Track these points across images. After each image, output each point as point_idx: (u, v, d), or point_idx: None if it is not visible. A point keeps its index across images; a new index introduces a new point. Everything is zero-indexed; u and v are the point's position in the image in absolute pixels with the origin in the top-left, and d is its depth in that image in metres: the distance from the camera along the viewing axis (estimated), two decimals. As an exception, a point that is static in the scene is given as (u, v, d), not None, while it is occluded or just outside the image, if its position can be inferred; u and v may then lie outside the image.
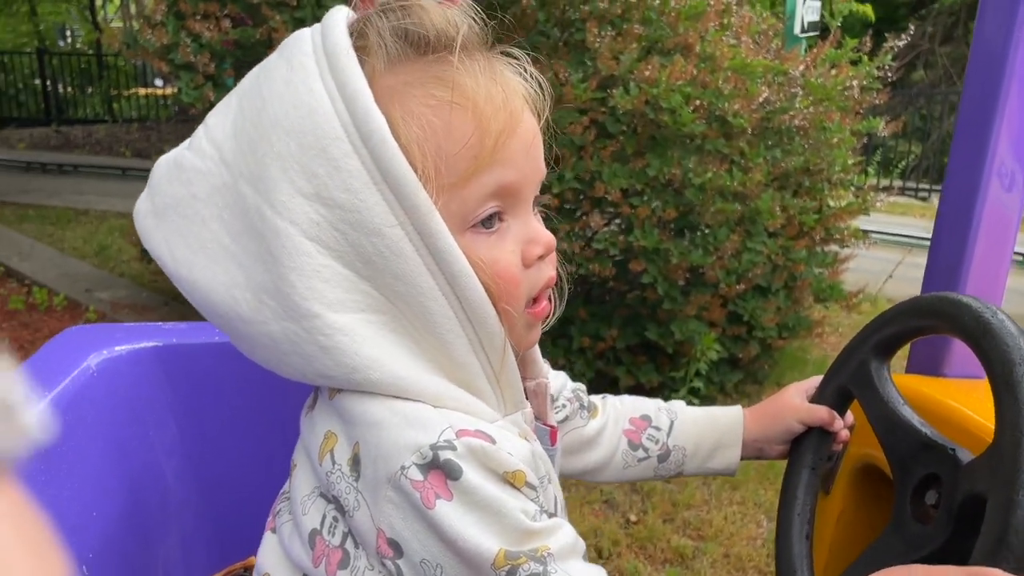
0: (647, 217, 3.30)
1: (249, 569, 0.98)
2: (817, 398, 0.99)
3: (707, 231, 3.40)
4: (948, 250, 1.14)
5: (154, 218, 0.70)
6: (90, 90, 11.61)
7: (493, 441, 0.65)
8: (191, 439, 1.00)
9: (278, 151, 0.64)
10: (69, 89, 11.58)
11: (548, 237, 0.73)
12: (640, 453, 1.00)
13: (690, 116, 3.18)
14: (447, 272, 0.65)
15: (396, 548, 0.64)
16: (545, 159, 0.74)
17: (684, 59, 3.33)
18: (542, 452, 0.76)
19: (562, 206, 3.34)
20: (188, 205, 0.68)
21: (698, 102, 3.25)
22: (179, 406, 0.98)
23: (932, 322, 0.85)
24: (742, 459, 1.02)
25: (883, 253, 5.85)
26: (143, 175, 0.87)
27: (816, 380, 1.02)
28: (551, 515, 0.69)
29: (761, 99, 3.37)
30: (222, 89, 3.55)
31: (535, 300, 0.73)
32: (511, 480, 0.65)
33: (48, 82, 11.31)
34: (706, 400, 3.54)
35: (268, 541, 0.77)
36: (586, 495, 2.88)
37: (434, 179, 0.65)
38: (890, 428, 0.88)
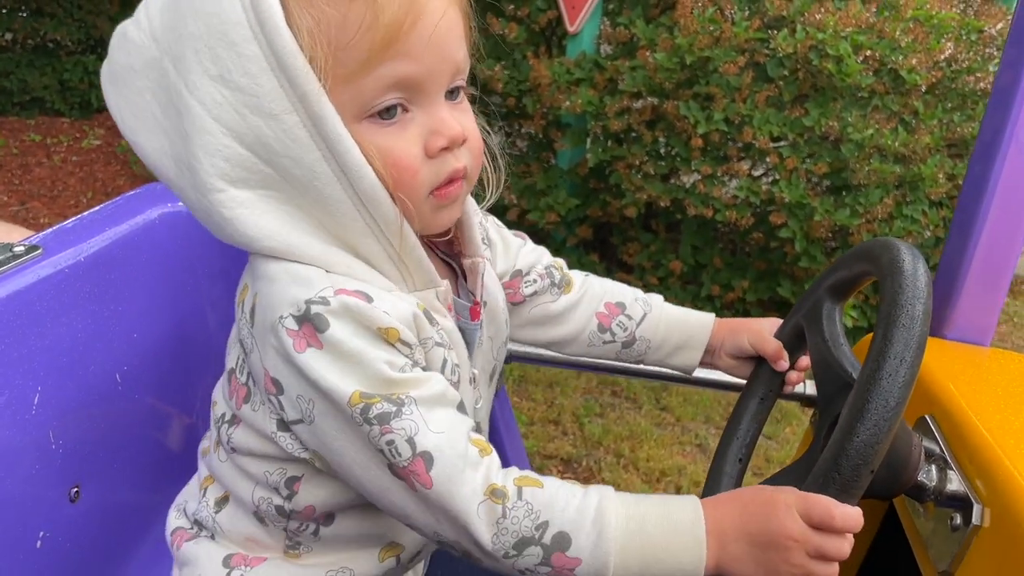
0: (795, 169, 3.17)
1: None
2: (779, 332, 1.01)
3: (859, 191, 3.22)
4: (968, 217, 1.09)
5: (110, 83, 0.76)
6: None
7: (370, 300, 0.71)
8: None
9: (191, 31, 0.68)
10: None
11: (454, 129, 0.74)
12: (607, 336, 1.05)
13: (856, 66, 3.00)
14: (339, 159, 0.69)
15: (277, 385, 0.72)
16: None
17: (863, 5, 3.12)
18: (448, 324, 0.81)
19: (706, 147, 3.27)
20: (129, 75, 0.73)
21: (869, 52, 3.05)
22: (231, 265, 1.11)
23: (867, 265, 0.84)
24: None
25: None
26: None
27: None
28: (424, 370, 0.74)
29: (944, 56, 3.11)
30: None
31: (440, 187, 0.76)
32: (383, 335, 0.71)
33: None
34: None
35: (222, 379, 0.89)
36: (680, 436, 2.90)
37: (327, 69, 0.68)
38: (824, 366, 0.89)
